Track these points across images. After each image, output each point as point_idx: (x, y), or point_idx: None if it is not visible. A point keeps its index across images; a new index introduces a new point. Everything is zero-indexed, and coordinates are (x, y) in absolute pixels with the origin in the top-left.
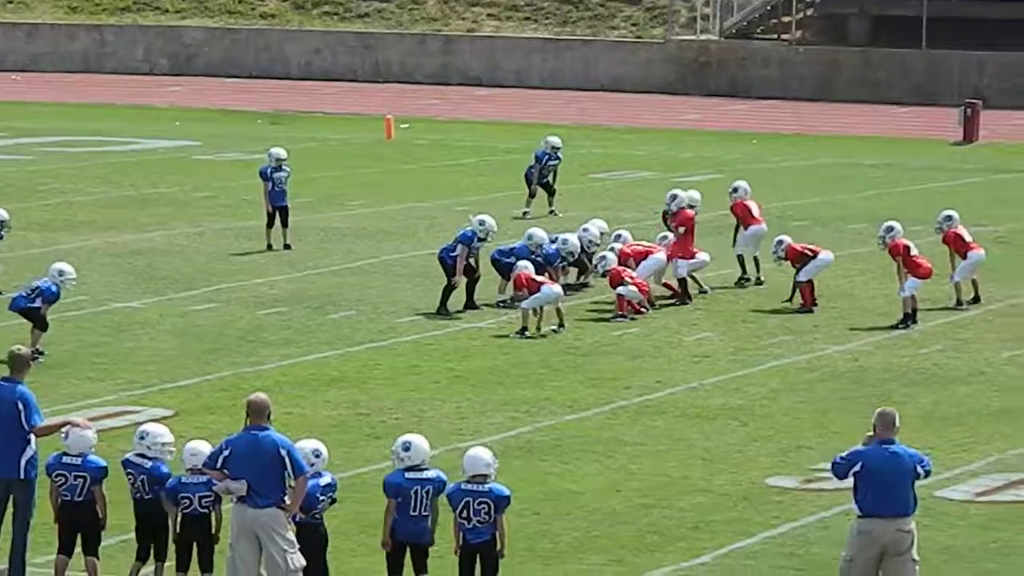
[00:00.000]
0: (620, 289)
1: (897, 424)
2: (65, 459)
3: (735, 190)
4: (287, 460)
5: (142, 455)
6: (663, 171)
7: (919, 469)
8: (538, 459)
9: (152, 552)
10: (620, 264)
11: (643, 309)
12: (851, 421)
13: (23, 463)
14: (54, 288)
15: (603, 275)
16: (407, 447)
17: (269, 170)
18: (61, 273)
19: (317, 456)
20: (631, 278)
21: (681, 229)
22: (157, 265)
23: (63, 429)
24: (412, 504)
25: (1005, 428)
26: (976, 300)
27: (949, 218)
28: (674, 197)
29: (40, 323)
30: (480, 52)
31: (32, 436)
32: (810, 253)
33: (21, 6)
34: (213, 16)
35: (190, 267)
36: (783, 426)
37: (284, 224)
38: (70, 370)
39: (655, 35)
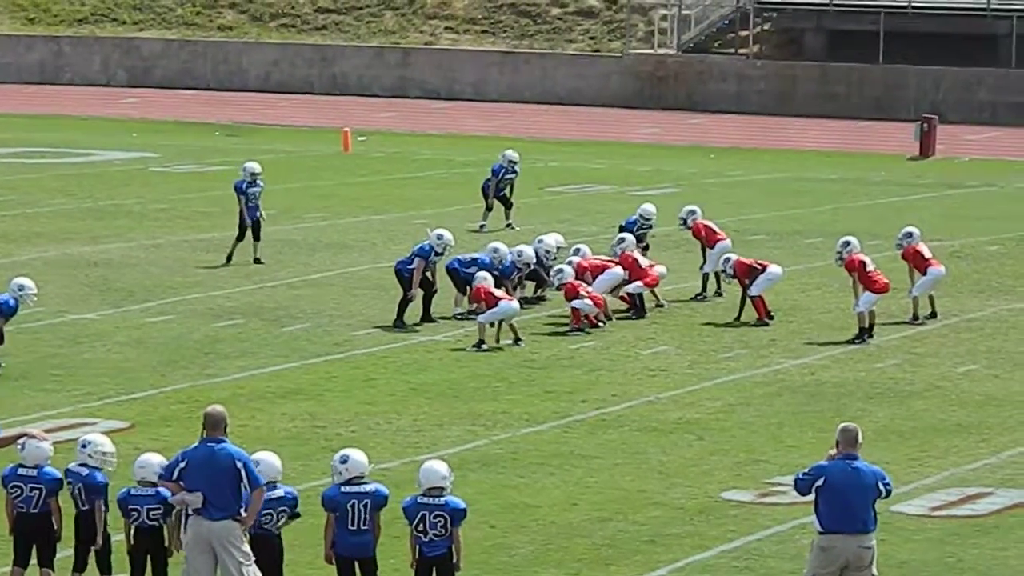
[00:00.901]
0: (575, 302)
1: (860, 440)
2: (21, 471)
3: (692, 212)
4: (243, 472)
5: (84, 464)
6: (620, 185)
7: (880, 486)
8: (495, 472)
9: (97, 562)
10: (577, 278)
11: (599, 323)
12: (807, 435)
13: None
14: (12, 302)
15: (558, 288)
16: (344, 460)
17: (244, 184)
18: (21, 288)
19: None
20: (587, 292)
21: (626, 273)
22: (114, 277)
23: (19, 440)
24: (350, 518)
25: (961, 442)
26: (933, 315)
27: (909, 235)
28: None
29: None
30: (438, 65)
31: None
32: (759, 267)
33: None
34: (171, 28)
35: (147, 279)
36: (739, 440)
37: (256, 238)
38: (26, 381)
39: (613, 49)
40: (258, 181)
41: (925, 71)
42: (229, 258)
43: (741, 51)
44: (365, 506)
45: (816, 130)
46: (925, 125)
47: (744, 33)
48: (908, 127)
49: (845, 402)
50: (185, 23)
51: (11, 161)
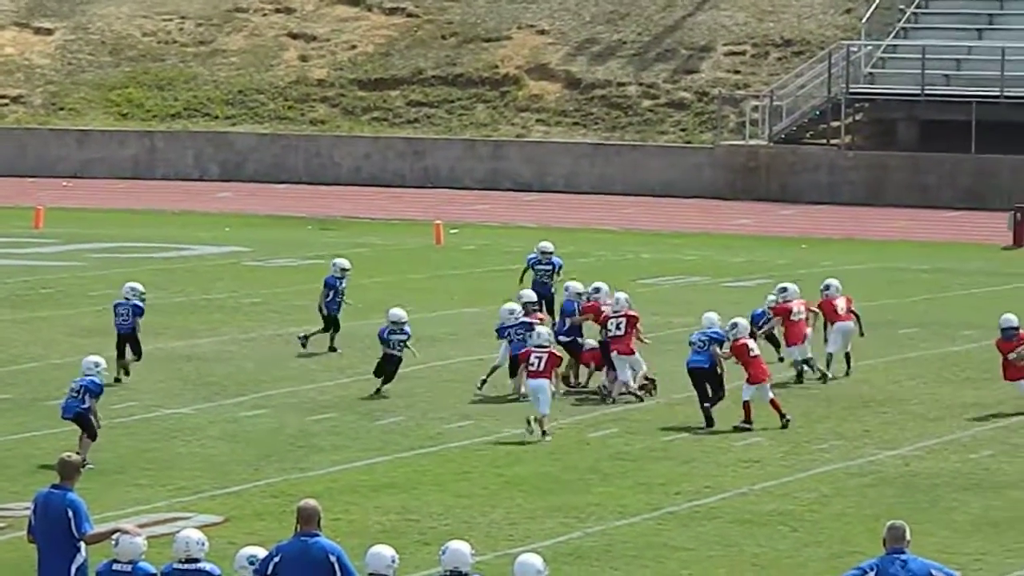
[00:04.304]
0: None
1: (907, 536)
2: (115, 566)
3: (784, 290)
4: (336, 566)
5: (192, 559)
6: (713, 276)
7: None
8: (588, 565)
9: None
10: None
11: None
12: None
13: (73, 571)
14: (98, 381)
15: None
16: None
17: (334, 279)
18: (97, 365)
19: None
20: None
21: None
22: (207, 371)
23: (113, 536)
24: None
25: None
26: None
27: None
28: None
29: (91, 430)
30: (529, 157)
31: (82, 543)
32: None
33: (72, 112)
34: (263, 122)
35: (240, 373)
36: (834, 532)
37: (336, 328)
38: (120, 476)
39: (704, 140)
40: (346, 277)
41: (1018, 161)
42: (332, 348)
43: (833, 142)
44: None
45: (909, 220)
46: (1018, 215)
47: (836, 124)
48: (1001, 217)
49: (940, 493)
50: (277, 117)
51: (105, 256)
